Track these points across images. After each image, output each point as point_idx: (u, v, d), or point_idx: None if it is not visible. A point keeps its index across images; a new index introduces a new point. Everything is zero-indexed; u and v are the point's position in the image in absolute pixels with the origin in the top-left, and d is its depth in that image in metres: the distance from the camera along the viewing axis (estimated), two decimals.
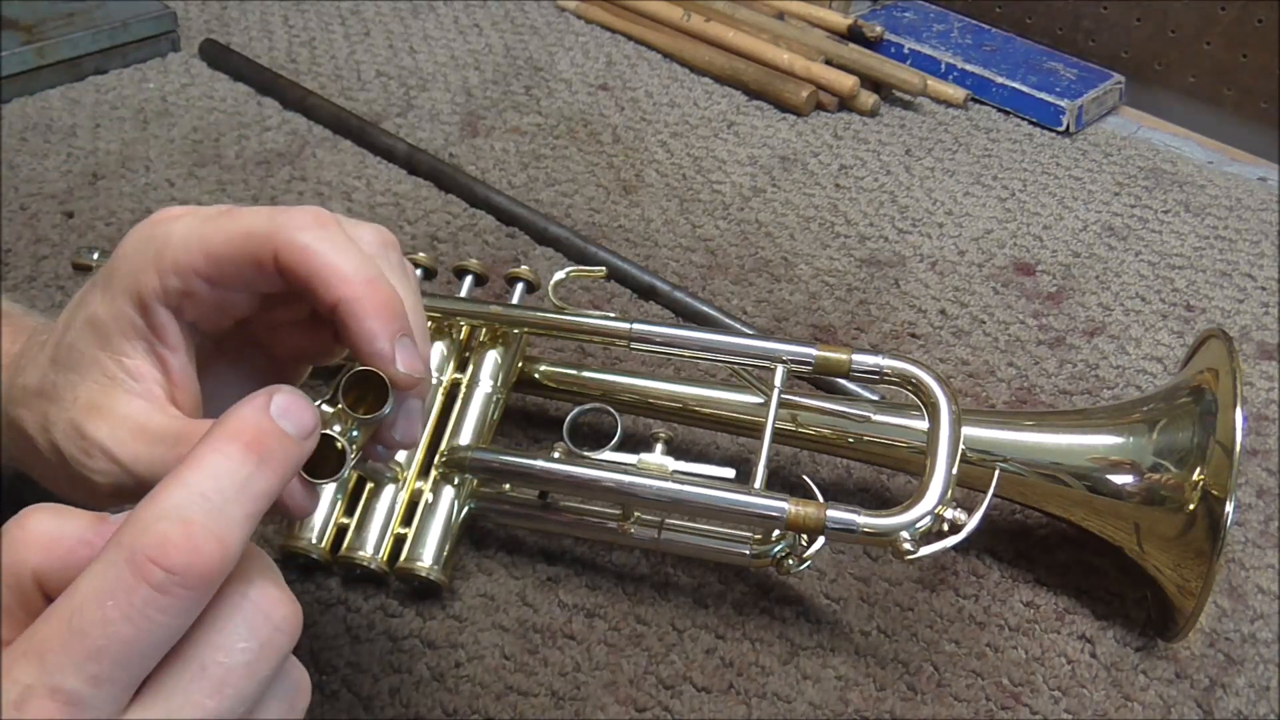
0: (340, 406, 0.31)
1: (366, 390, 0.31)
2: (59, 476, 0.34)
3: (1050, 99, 0.91)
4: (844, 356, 0.48)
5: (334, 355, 0.39)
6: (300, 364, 0.40)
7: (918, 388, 0.47)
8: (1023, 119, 0.92)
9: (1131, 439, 0.49)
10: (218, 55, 0.90)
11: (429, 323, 0.54)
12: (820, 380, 0.63)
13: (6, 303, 0.40)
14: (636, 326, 0.51)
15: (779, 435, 0.52)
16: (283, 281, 0.32)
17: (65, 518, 0.26)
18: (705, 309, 0.67)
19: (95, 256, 0.57)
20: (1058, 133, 0.90)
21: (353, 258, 0.32)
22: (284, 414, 0.28)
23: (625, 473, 0.46)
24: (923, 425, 0.47)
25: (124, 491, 0.32)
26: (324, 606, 0.50)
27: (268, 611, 0.26)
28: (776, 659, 0.49)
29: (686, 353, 0.50)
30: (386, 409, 0.32)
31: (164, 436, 0.32)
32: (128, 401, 0.33)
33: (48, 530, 0.26)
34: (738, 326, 0.67)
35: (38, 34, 0.84)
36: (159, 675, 0.25)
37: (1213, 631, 0.52)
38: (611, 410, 0.50)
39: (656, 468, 0.47)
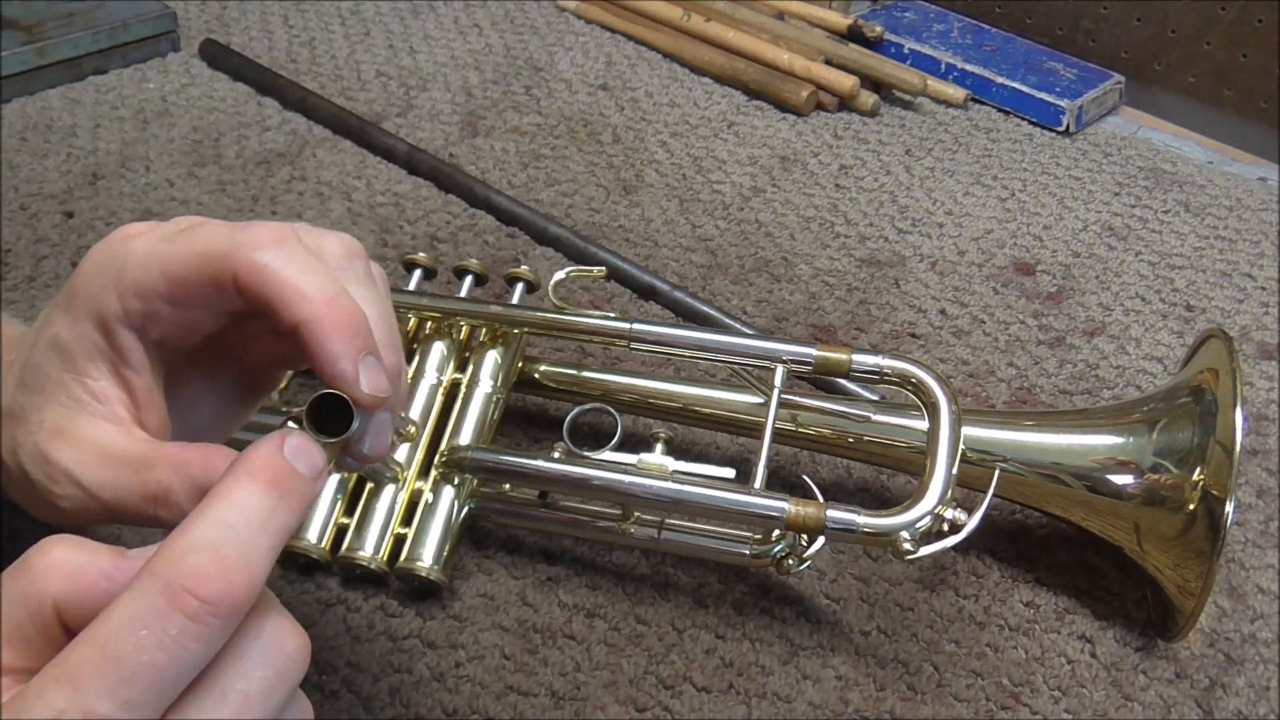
0: (304, 424, 0.30)
1: (335, 407, 0.31)
2: (28, 498, 0.34)
3: (1050, 99, 0.91)
4: (844, 356, 0.48)
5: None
6: (276, 370, 0.40)
7: (918, 388, 0.47)
8: (1023, 119, 0.92)
9: (1131, 439, 0.49)
10: (218, 55, 0.90)
11: (429, 323, 0.54)
12: (820, 380, 0.63)
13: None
14: (636, 326, 0.51)
15: (779, 435, 0.52)
16: (244, 301, 0.32)
17: (87, 551, 0.27)
18: (705, 309, 0.67)
19: None
20: (1058, 133, 0.90)
21: (313, 276, 0.31)
22: (296, 455, 0.29)
23: (625, 473, 0.46)
24: (923, 425, 0.47)
25: (89, 515, 0.32)
26: (324, 606, 0.50)
27: (282, 643, 0.27)
28: (776, 659, 0.49)
29: (686, 353, 0.51)
30: (352, 429, 0.31)
31: (128, 460, 0.32)
32: (93, 425, 0.32)
33: (71, 561, 0.27)
34: (738, 326, 0.67)
35: (38, 34, 0.84)
36: (184, 700, 0.26)
37: (1213, 631, 0.52)
38: (611, 410, 0.51)
39: (656, 468, 0.47)
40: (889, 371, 0.48)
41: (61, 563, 0.27)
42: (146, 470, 0.31)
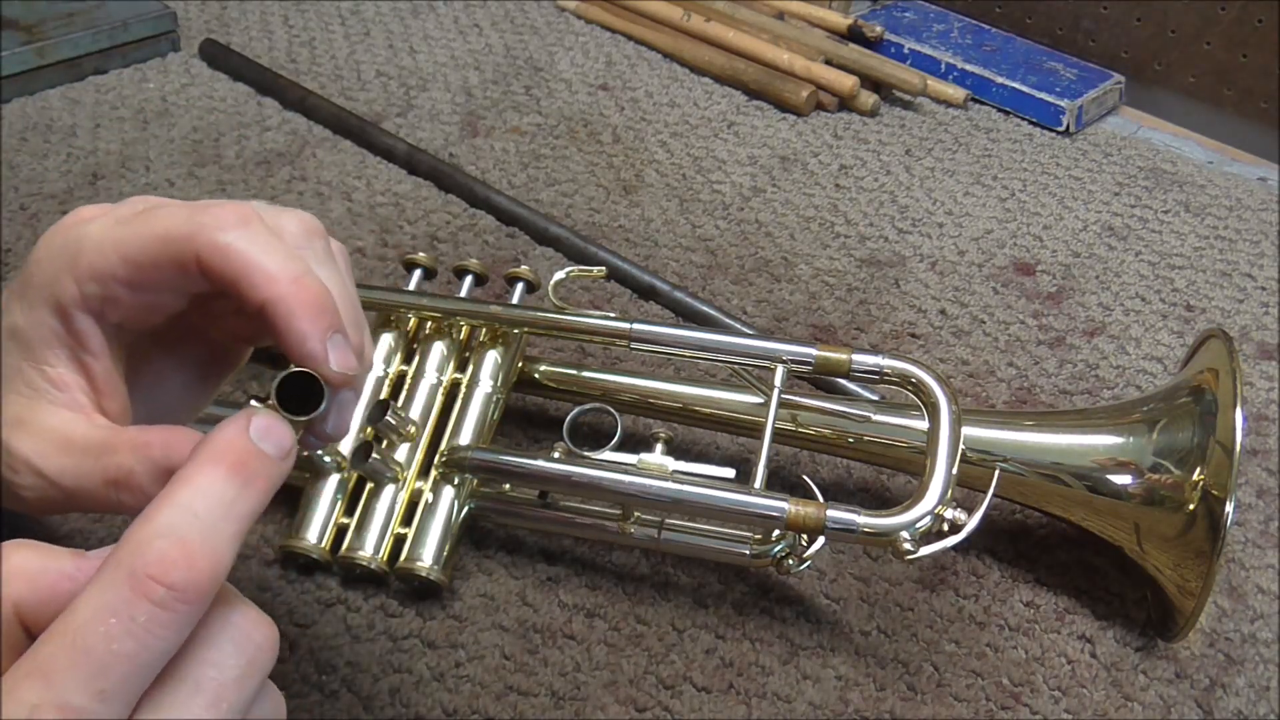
0: (271, 403, 0.30)
1: (299, 386, 0.31)
2: None
3: (1050, 99, 0.91)
4: (844, 356, 0.48)
5: None
6: (241, 346, 0.39)
7: (918, 388, 0.47)
8: (1023, 119, 0.92)
9: (1131, 439, 0.49)
10: (218, 55, 0.90)
11: (429, 323, 0.54)
12: (820, 380, 0.63)
13: None
14: (636, 326, 0.51)
15: (779, 435, 0.52)
16: (208, 283, 0.32)
17: (47, 554, 0.27)
18: (705, 309, 0.67)
19: None
20: (1058, 133, 0.90)
21: (277, 256, 0.31)
22: (263, 436, 0.28)
23: (625, 473, 0.46)
24: (923, 425, 0.47)
25: (52, 504, 0.32)
26: (324, 606, 0.50)
27: (250, 631, 0.27)
28: (776, 659, 0.49)
29: (686, 353, 0.51)
30: (322, 408, 0.31)
31: (89, 448, 0.32)
32: (52, 413, 0.32)
33: (31, 565, 0.27)
34: (738, 326, 0.67)
35: (38, 34, 0.84)
36: (155, 691, 0.26)
37: (1213, 631, 0.52)
38: (611, 410, 0.50)
39: (656, 468, 0.47)
40: (889, 371, 0.48)
41: (21, 567, 0.26)
42: (107, 456, 0.31)
